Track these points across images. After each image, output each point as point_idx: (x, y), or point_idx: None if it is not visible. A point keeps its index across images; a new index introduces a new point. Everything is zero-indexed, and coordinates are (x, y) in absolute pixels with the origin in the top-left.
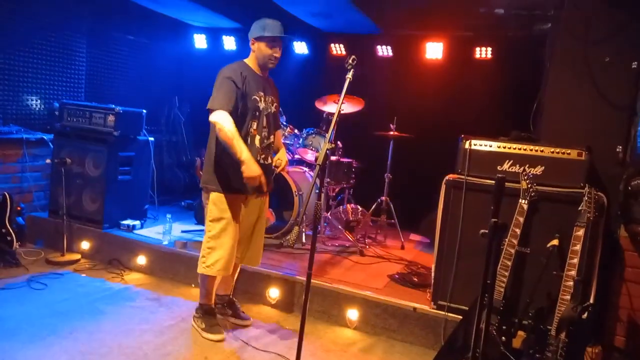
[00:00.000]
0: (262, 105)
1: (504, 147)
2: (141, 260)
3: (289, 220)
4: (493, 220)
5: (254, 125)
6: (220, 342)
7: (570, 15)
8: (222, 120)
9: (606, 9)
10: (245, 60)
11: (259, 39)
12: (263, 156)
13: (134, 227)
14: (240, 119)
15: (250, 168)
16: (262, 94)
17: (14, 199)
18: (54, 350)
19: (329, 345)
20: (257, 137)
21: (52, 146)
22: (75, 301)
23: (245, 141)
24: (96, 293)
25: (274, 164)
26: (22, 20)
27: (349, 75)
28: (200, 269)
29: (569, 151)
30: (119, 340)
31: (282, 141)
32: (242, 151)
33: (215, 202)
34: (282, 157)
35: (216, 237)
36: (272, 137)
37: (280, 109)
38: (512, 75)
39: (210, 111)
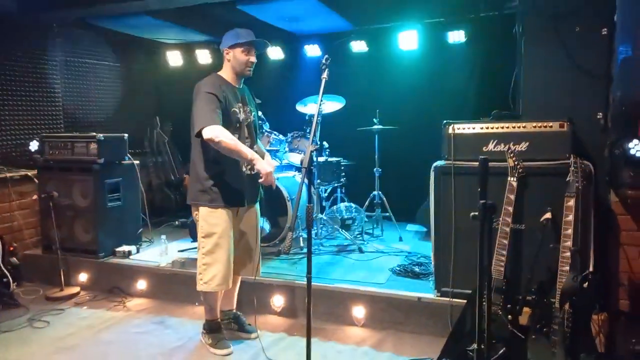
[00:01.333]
0: (241, 116)
1: (487, 128)
2: (141, 285)
3: (284, 226)
4: (481, 201)
5: (236, 138)
6: (228, 356)
7: None
8: (218, 133)
9: None
10: (219, 73)
11: (233, 47)
12: (249, 167)
13: (130, 252)
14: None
15: (264, 165)
16: (240, 104)
17: (5, 239)
18: None
19: (339, 345)
20: None
21: (37, 181)
22: (79, 335)
23: (223, 157)
24: (99, 324)
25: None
26: None
27: (325, 75)
28: (199, 287)
29: (550, 124)
30: None
31: (268, 148)
32: (249, 152)
33: (205, 218)
34: (268, 162)
35: (210, 253)
36: (255, 146)
37: (262, 116)
38: (487, 56)
39: (200, 133)
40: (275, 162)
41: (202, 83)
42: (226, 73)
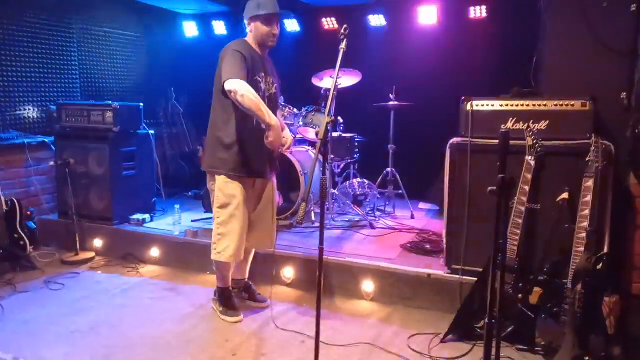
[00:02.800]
0: (263, 86)
1: (507, 105)
2: (154, 252)
3: (297, 200)
4: (500, 176)
5: None
6: (238, 323)
7: None
8: (242, 87)
9: None
10: (246, 39)
11: (254, 18)
12: None
13: (144, 220)
14: None
15: (278, 133)
16: (263, 74)
17: (23, 204)
18: (79, 347)
19: (347, 318)
20: None
21: (54, 148)
22: (94, 298)
23: (248, 124)
24: (114, 288)
25: (283, 150)
26: (11, 25)
27: (343, 45)
28: (213, 256)
29: (572, 103)
30: (141, 332)
31: (283, 122)
32: (270, 116)
33: (222, 188)
34: (286, 135)
35: (225, 224)
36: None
37: (279, 89)
38: (509, 32)
39: (227, 83)
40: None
41: (231, 44)
42: (251, 41)
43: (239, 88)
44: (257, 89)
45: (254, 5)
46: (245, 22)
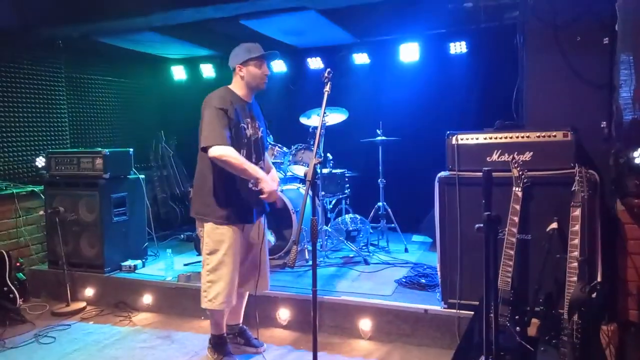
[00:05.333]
0: (249, 132)
1: (491, 138)
2: (147, 299)
3: (289, 238)
4: (486, 213)
5: (244, 153)
6: None
7: (536, 1)
8: (225, 152)
9: None
10: (230, 87)
11: (246, 63)
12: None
13: (135, 267)
14: (235, 148)
15: (269, 184)
16: (249, 120)
17: (12, 254)
18: None
19: (346, 359)
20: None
21: (43, 197)
22: (85, 351)
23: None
24: (106, 339)
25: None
26: (1, 77)
27: (327, 88)
28: (203, 304)
29: (554, 133)
30: None
31: (272, 160)
32: (256, 171)
33: (210, 234)
34: (274, 177)
35: (214, 270)
36: (261, 162)
37: (267, 130)
38: (489, 66)
39: (206, 149)
40: (278, 175)
41: (212, 96)
42: (238, 88)
43: (220, 154)
44: (241, 135)
45: (242, 50)
46: (235, 68)
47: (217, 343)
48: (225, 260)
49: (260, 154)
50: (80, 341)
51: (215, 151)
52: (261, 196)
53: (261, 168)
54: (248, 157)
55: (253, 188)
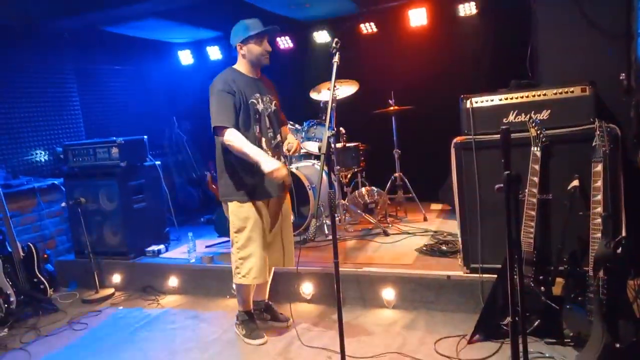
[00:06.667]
0: (260, 107)
1: (506, 99)
2: (173, 282)
3: (308, 215)
4: (505, 172)
5: (257, 129)
6: (262, 345)
7: None
8: (228, 137)
9: None
10: (234, 67)
11: (245, 41)
12: (275, 156)
13: (159, 251)
14: (244, 127)
15: (270, 165)
16: (258, 95)
17: (39, 247)
18: None
19: (371, 328)
20: (264, 139)
21: (64, 189)
22: (117, 334)
23: (256, 145)
24: (136, 322)
25: (285, 149)
26: (12, 74)
27: (336, 59)
28: (237, 280)
29: (572, 89)
30: None
31: (290, 134)
32: (256, 154)
33: (235, 213)
34: (291, 140)
35: (244, 247)
36: (278, 136)
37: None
38: (500, 26)
39: (216, 129)
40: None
41: (216, 81)
42: (242, 66)
43: (225, 139)
44: (254, 111)
45: (241, 28)
46: (236, 47)
47: (245, 319)
48: (253, 236)
49: (276, 128)
50: (112, 325)
51: (223, 135)
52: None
53: (279, 143)
54: (263, 132)
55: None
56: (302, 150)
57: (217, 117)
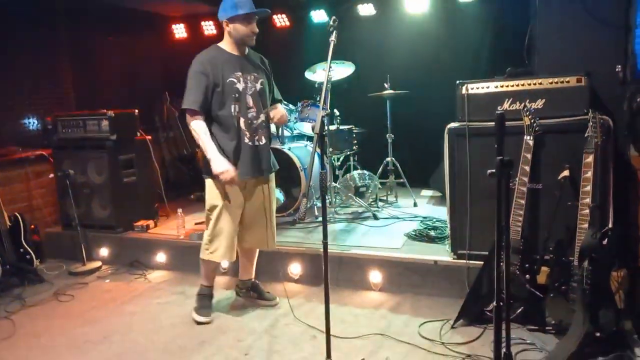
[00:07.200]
0: (240, 86)
1: (502, 86)
2: (161, 257)
3: (299, 196)
4: (498, 158)
5: (237, 108)
6: (206, 324)
7: None
8: (192, 124)
9: None
10: (219, 44)
11: (232, 19)
12: (256, 137)
13: (147, 226)
14: (220, 106)
15: (218, 165)
16: (239, 74)
17: (26, 218)
18: (92, 357)
19: (357, 309)
20: (242, 120)
21: (52, 160)
22: (103, 307)
23: (232, 125)
24: (123, 296)
25: (271, 115)
26: (3, 41)
27: (333, 37)
28: (204, 255)
29: (567, 79)
30: (152, 337)
31: (283, 110)
32: (209, 150)
33: (209, 190)
34: (279, 110)
35: (214, 225)
36: (262, 115)
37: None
38: (499, 13)
39: (185, 110)
40: (286, 133)
41: (195, 59)
42: (226, 43)
43: (190, 124)
44: (232, 90)
45: (230, 5)
46: (223, 23)
47: (203, 294)
48: (224, 215)
49: (260, 107)
50: (98, 298)
51: (188, 118)
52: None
53: (263, 123)
54: (242, 112)
55: (251, 144)
56: (295, 131)
57: (186, 98)
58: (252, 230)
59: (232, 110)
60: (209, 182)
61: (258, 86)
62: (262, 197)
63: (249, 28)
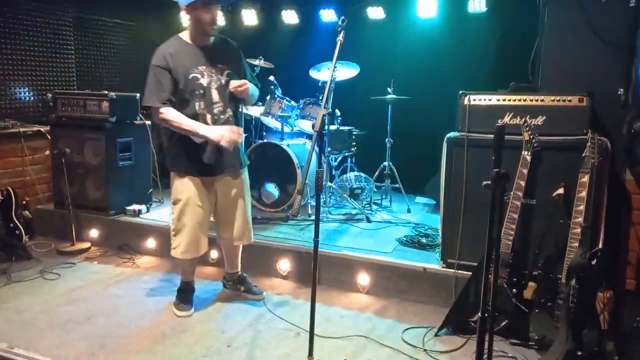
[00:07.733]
0: (205, 80)
1: (504, 100)
2: (151, 243)
3: (294, 193)
4: (495, 170)
5: (202, 105)
6: (183, 318)
7: None
8: (164, 117)
9: None
10: (180, 35)
11: (192, 6)
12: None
13: (140, 211)
14: (183, 103)
15: (213, 134)
16: (202, 68)
17: (18, 193)
18: (74, 336)
19: (342, 310)
20: (209, 116)
21: (49, 137)
22: (89, 288)
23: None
24: (109, 279)
25: (230, 85)
26: (6, 14)
27: (340, 37)
28: (171, 252)
29: (569, 98)
30: (136, 322)
31: (280, 114)
32: (198, 127)
33: (173, 184)
34: (235, 80)
35: (176, 220)
36: (229, 109)
37: (274, 81)
38: (508, 26)
39: (148, 108)
40: (286, 129)
41: (155, 53)
42: (188, 34)
43: (160, 118)
44: (196, 86)
45: None
46: (182, 11)
47: (181, 289)
48: (186, 210)
49: (226, 102)
50: (84, 279)
51: (156, 114)
52: (221, 144)
53: (229, 118)
54: (207, 108)
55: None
56: (295, 128)
57: (147, 96)
58: (226, 226)
59: (197, 107)
60: (172, 176)
61: (223, 79)
62: (235, 193)
63: (210, 16)
